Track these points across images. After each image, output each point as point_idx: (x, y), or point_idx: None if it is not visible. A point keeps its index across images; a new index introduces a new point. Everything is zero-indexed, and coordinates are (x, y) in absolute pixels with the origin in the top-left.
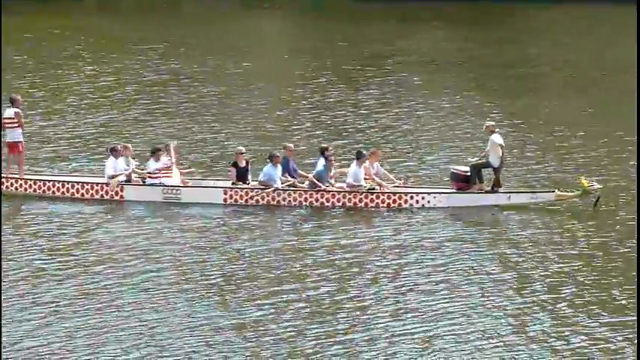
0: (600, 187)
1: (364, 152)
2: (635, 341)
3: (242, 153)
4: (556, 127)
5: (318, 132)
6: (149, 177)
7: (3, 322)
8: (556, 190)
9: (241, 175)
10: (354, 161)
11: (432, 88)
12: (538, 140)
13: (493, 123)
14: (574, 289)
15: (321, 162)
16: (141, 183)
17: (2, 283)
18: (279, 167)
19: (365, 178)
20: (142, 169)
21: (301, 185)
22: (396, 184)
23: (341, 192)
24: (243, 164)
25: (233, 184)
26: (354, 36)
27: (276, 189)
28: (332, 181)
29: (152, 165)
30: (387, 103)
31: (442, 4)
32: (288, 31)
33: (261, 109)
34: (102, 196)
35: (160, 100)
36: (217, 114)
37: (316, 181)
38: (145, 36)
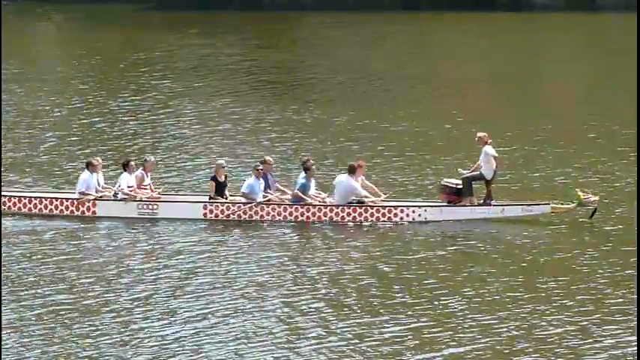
0: (596, 198)
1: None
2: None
3: (223, 167)
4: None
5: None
6: (121, 192)
7: None
8: (551, 203)
9: (220, 190)
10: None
11: (201, 93)
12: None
13: (486, 134)
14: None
15: (302, 175)
16: (112, 198)
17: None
18: (262, 181)
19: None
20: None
21: (282, 199)
22: (383, 198)
23: (328, 206)
24: (222, 179)
25: (211, 198)
26: (125, 42)
27: (259, 203)
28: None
29: (125, 179)
30: (154, 109)
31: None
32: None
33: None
34: (72, 212)
35: None
36: None
37: (302, 195)
38: None
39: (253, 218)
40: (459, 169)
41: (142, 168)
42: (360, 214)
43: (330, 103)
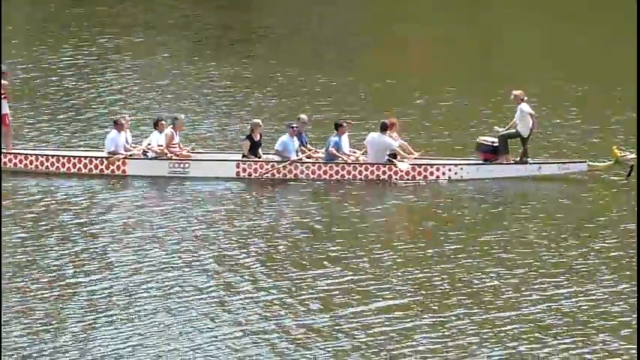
0: (634, 156)
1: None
2: None
3: (259, 125)
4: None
5: None
6: (152, 150)
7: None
8: (587, 161)
9: (254, 148)
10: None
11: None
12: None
13: (521, 91)
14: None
15: (334, 135)
16: (143, 156)
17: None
18: (296, 139)
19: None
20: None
21: (316, 157)
22: (416, 156)
23: (362, 164)
24: (257, 138)
25: (244, 156)
26: None
27: (293, 161)
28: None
29: (156, 137)
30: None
31: None
32: None
33: None
34: (102, 170)
35: None
36: None
37: (336, 153)
38: None
39: (287, 177)
40: (495, 127)
41: (171, 126)
42: (396, 173)
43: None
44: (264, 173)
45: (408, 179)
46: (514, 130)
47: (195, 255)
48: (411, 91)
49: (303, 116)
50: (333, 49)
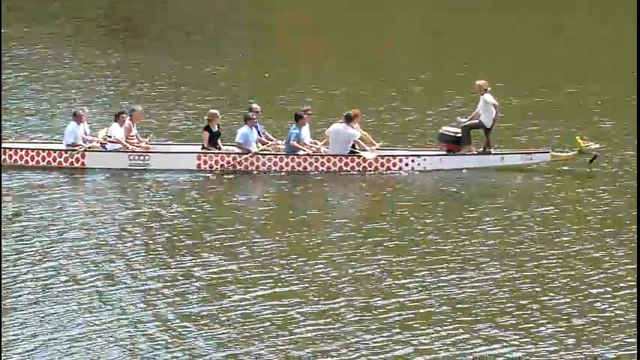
0: (597, 146)
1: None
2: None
3: (217, 116)
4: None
5: None
6: (111, 142)
7: None
8: (551, 151)
9: (213, 140)
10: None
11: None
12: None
13: (485, 81)
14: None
15: (294, 126)
16: (102, 149)
17: None
18: (255, 130)
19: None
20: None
21: (278, 149)
22: (377, 147)
23: (325, 156)
24: (215, 128)
25: (204, 148)
26: None
27: (255, 153)
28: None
29: (116, 130)
30: None
31: None
32: None
33: None
34: (60, 163)
35: None
36: None
37: (297, 145)
38: None
39: (249, 169)
40: (458, 117)
41: (129, 118)
42: (359, 164)
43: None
44: (226, 166)
45: (371, 170)
46: (477, 121)
47: (78, 245)
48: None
49: (256, 106)
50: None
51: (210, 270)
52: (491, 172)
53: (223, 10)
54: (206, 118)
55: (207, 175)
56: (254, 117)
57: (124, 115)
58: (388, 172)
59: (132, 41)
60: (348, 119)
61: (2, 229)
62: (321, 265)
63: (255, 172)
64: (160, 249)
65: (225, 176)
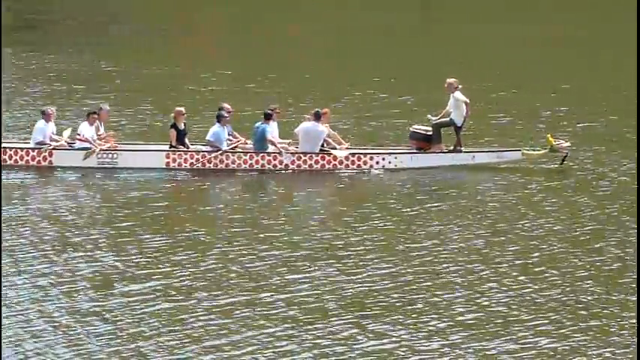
0: (568, 144)
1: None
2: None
3: (183, 114)
4: None
5: None
6: (80, 141)
7: None
8: (522, 149)
9: (180, 138)
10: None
11: None
12: None
13: (455, 79)
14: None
15: (265, 124)
16: (68, 147)
17: None
18: (226, 129)
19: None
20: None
21: (246, 147)
22: (347, 146)
23: (295, 154)
24: (182, 126)
25: (172, 146)
26: None
27: (225, 151)
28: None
29: (85, 129)
30: None
31: None
32: None
33: None
34: (27, 162)
35: None
36: None
37: (275, 141)
38: None
39: (218, 167)
40: (428, 116)
41: (96, 116)
42: (329, 162)
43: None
44: (195, 163)
45: (341, 169)
46: (448, 119)
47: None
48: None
49: (226, 105)
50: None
51: (98, 266)
52: (460, 171)
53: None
54: (172, 115)
55: (176, 174)
56: (227, 116)
57: (95, 115)
58: (359, 170)
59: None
60: (317, 117)
61: None
62: (212, 261)
63: (226, 170)
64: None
65: (191, 175)
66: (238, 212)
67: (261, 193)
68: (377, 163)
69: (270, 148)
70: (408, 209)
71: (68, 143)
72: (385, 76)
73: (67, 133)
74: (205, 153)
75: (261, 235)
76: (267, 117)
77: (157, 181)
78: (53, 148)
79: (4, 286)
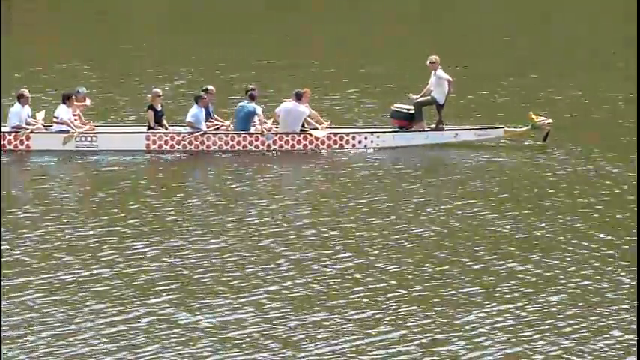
0: (550, 121)
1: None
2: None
3: (159, 95)
4: None
5: None
6: (57, 124)
7: None
8: (504, 126)
9: (158, 119)
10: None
11: None
12: None
13: (437, 57)
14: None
15: (251, 104)
16: (44, 131)
17: None
18: (203, 110)
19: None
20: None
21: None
22: (327, 126)
23: (277, 134)
24: (159, 107)
25: (150, 128)
26: None
27: (205, 133)
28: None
29: (63, 111)
30: None
31: None
32: None
33: None
34: (4, 146)
35: None
36: None
37: (259, 121)
38: None
39: (199, 149)
40: (410, 94)
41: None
42: (311, 142)
43: None
44: (176, 146)
45: (324, 148)
46: (429, 97)
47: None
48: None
49: (211, 87)
50: None
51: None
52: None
53: None
54: (149, 97)
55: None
56: (205, 97)
57: (73, 98)
58: (341, 149)
59: None
60: (298, 97)
61: None
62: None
63: (206, 151)
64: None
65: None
66: (218, 195)
67: (242, 175)
68: (359, 142)
69: (252, 129)
70: (393, 188)
71: (44, 126)
72: (365, 55)
73: (40, 115)
74: (185, 135)
75: (236, 218)
76: (252, 97)
77: (136, 164)
78: (31, 132)
79: None
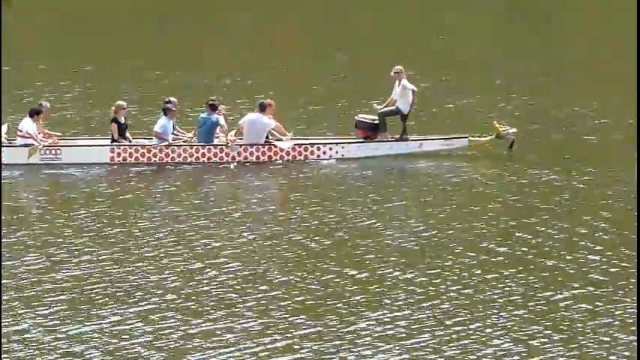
0: (515, 130)
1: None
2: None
3: (123, 108)
4: None
5: None
6: (22, 137)
7: None
8: (469, 136)
9: (122, 132)
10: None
11: None
12: None
13: (402, 68)
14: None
15: (215, 116)
16: (9, 145)
17: None
18: (171, 122)
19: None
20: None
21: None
22: (290, 137)
23: (241, 146)
24: (122, 120)
25: (114, 141)
26: None
27: (170, 144)
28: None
29: (28, 124)
30: None
31: None
32: None
33: None
34: None
35: None
36: None
37: (222, 133)
38: None
39: (164, 161)
40: (374, 104)
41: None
42: (276, 153)
43: None
44: (140, 158)
45: (289, 159)
46: (394, 107)
47: None
48: None
49: (173, 99)
50: None
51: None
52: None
53: None
54: (112, 109)
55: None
56: (174, 108)
57: (41, 114)
58: (305, 160)
59: None
60: (262, 108)
61: None
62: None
63: (171, 163)
64: None
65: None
66: (182, 207)
67: (206, 187)
68: (324, 153)
69: (216, 141)
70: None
71: (8, 140)
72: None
73: (4, 129)
74: (150, 147)
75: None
76: (213, 108)
77: (99, 177)
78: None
79: None
